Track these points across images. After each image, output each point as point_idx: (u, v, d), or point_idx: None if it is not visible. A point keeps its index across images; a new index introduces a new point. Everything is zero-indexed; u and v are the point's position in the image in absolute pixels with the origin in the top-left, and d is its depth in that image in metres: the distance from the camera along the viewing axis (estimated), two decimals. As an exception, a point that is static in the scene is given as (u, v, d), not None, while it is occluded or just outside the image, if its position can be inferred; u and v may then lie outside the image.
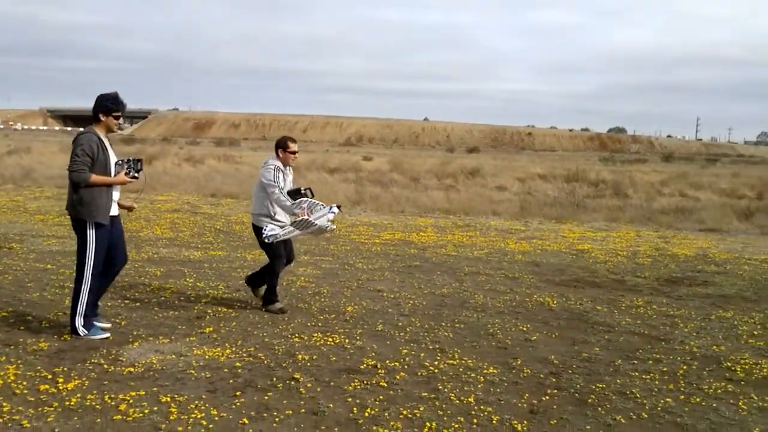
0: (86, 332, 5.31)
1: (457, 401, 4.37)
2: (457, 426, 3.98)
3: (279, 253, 6.49)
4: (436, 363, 5.08)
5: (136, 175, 5.42)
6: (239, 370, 4.74)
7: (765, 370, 5.24)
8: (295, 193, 6.39)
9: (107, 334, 5.38)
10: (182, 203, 15.83)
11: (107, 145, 5.35)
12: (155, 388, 4.34)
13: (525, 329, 6.17)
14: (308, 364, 4.94)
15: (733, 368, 5.28)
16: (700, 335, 6.22)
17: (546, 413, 4.25)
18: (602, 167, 37.17)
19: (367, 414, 4.07)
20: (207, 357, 4.98)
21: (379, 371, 4.85)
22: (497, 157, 47.15)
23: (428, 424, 3.97)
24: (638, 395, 4.62)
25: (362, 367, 4.93)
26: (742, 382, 4.98)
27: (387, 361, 5.06)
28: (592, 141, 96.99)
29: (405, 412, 4.13)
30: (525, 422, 4.08)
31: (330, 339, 5.57)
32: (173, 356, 4.99)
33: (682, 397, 4.64)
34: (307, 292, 7.26)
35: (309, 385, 4.51)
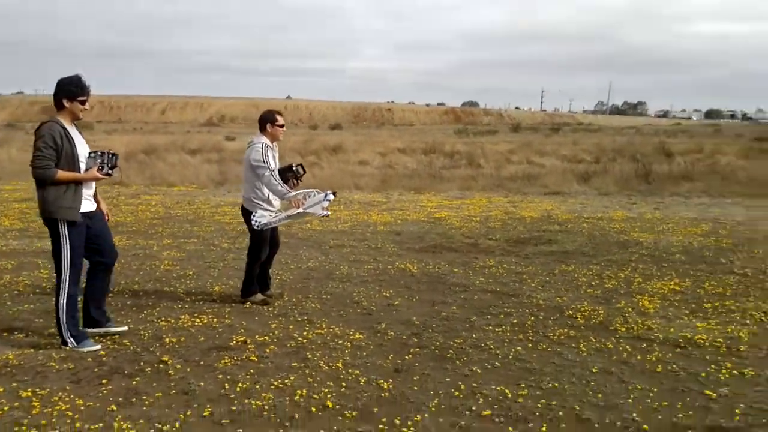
0: (75, 345, 4.74)
1: (326, 367, 4.46)
2: (326, 390, 4.07)
3: (264, 237, 6.08)
4: (304, 333, 5.14)
5: (110, 171, 4.80)
6: (104, 359, 4.58)
7: (601, 316, 5.71)
8: (285, 171, 6.07)
9: (98, 347, 4.78)
10: (32, 192, 14.82)
11: (74, 134, 4.76)
12: (14, 384, 4.11)
13: (388, 295, 6.35)
14: (176, 346, 4.85)
15: (574, 316, 5.71)
16: (545, 289, 6.66)
17: (409, 370, 4.43)
18: (457, 139, 38.33)
19: (238, 389, 4.07)
20: (68, 348, 4.76)
21: (249, 346, 4.85)
22: (359, 132, 47.50)
23: (299, 391, 4.03)
24: (492, 346, 4.91)
25: (232, 344, 4.91)
26: (582, 328, 5.40)
27: (256, 336, 5.07)
28: (448, 115, 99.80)
29: (276, 383, 4.16)
30: (390, 380, 4.24)
31: (198, 319, 5.48)
32: (31, 350, 4.73)
33: (530, 344, 4.97)
34: (171, 275, 7.08)
35: (178, 366, 4.43)
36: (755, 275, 7.18)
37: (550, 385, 4.20)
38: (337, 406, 3.85)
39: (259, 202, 5.95)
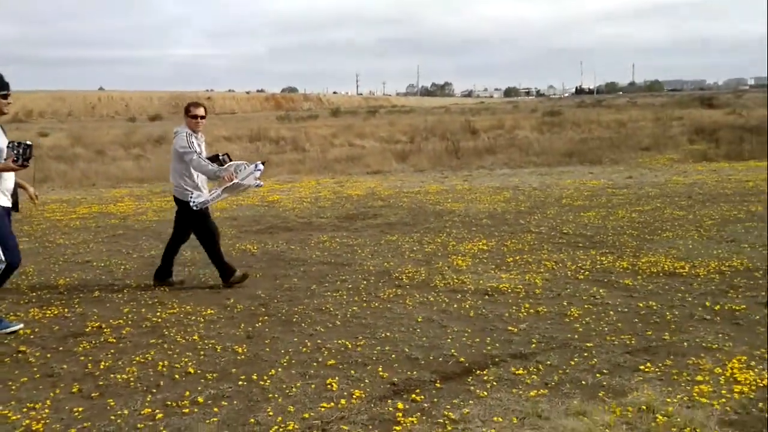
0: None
1: (183, 340, 4.75)
2: (186, 360, 4.38)
3: (210, 228, 6.09)
4: (158, 314, 5.36)
5: (26, 162, 4.66)
6: (-44, 356, 4.54)
7: (423, 275, 6.42)
8: (212, 160, 5.98)
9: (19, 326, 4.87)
10: None
11: None
12: None
13: (233, 274, 6.67)
14: (32, 336, 4.89)
15: (399, 277, 6.37)
16: (374, 256, 7.29)
17: (260, 336, 4.84)
18: (280, 125, 38.47)
19: (102, 366, 4.27)
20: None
21: (105, 330, 5.00)
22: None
23: (160, 363, 4.31)
24: (331, 309, 5.43)
25: (87, 330, 5.03)
26: (408, 286, 6.07)
27: (111, 320, 5.21)
28: (268, 101, 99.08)
29: (137, 358, 4.40)
30: (244, 346, 4.62)
31: (48, 311, 5.50)
32: None
33: (365, 304, 5.56)
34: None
35: (37, 354, 4.52)
36: (548, 232, 8.29)
37: (383, 335, 4.80)
38: (199, 371, 4.18)
39: (190, 189, 5.97)
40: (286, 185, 14.16)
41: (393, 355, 4.40)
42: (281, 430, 3.39)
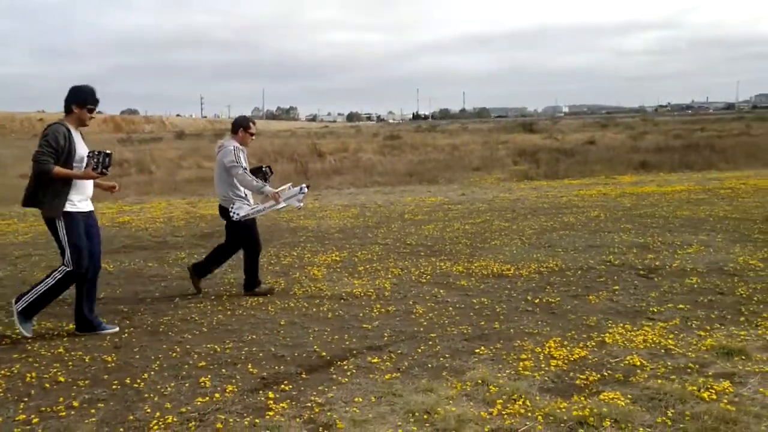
0: (21, 322, 5.01)
1: (48, 353, 4.73)
2: (55, 370, 4.38)
3: (253, 237, 6.30)
4: (17, 331, 5.23)
5: (104, 171, 4.87)
6: None
7: (283, 284, 6.72)
8: (255, 172, 6.01)
9: (29, 334, 5.04)
10: None
11: (76, 138, 4.95)
12: None
13: (91, 291, 6.59)
14: None
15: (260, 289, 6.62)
16: (234, 271, 7.44)
17: (128, 345, 4.92)
18: (122, 148, 36.90)
19: (-35, 382, 4.17)
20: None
21: (-38, 349, 4.83)
22: (11, 145, 42.68)
23: (28, 374, 4.29)
24: (197, 318, 5.60)
25: (-59, 350, 4.83)
26: (269, 295, 6.34)
27: (-33, 340, 5.03)
28: (107, 123, 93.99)
29: (3, 372, 4.34)
30: (113, 355, 4.69)
31: None
32: None
33: (229, 312, 5.77)
34: None
35: None
36: (393, 244, 8.88)
37: (249, 338, 5.06)
38: (69, 380, 4.22)
39: (233, 200, 6.18)
40: (135, 207, 13.81)
41: (260, 354, 4.68)
42: (161, 423, 3.57)
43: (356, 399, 3.84)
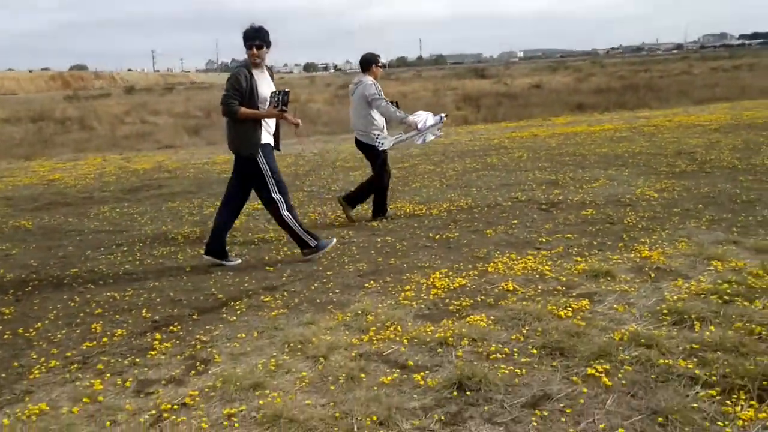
0: (316, 242, 5.54)
1: (-53, 308, 4.77)
2: (-50, 324, 4.44)
3: (385, 161, 6.72)
4: None
5: (284, 108, 5.16)
6: None
7: (198, 233, 6.79)
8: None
9: (334, 240, 5.70)
10: None
11: (259, 79, 5.20)
12: None
13: (4, 248, 6.59)
14: None
15: (175, 238, 6.70)
16: (153, 222, 7.52)
17: (29, 298, 4.98)
18: (68, 105, 35.92)
19: None
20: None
21: None
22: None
23: None
24: (104, 270, 5.66)
25: None
26: (182, 244, 6.42)
27: None
28: (55, 80, 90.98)
29: None
30: (12, 308, 4.75)
31: None
32: None
33: (137, 263, 5.85)
34: None
35: None
36: (318, 190, 8.99)
37: (151, 285, 5.16)
38: (-37, 332, 4.29)
39: (377, 132, 6.57)
40: (68, 164, 13.61)
41: (158, 299, 4.79)
42: (43, 368, 3.67)
43: (239, 335, 3.99)
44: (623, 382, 3.08)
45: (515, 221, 6.45)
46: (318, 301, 4.55)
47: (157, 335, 4.07)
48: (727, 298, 3.99)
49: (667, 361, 3.22)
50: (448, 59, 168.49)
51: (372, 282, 4.86)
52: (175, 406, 3.14)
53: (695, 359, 3.24)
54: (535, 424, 2.80)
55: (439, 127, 6.88)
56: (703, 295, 4.08)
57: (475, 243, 5.78)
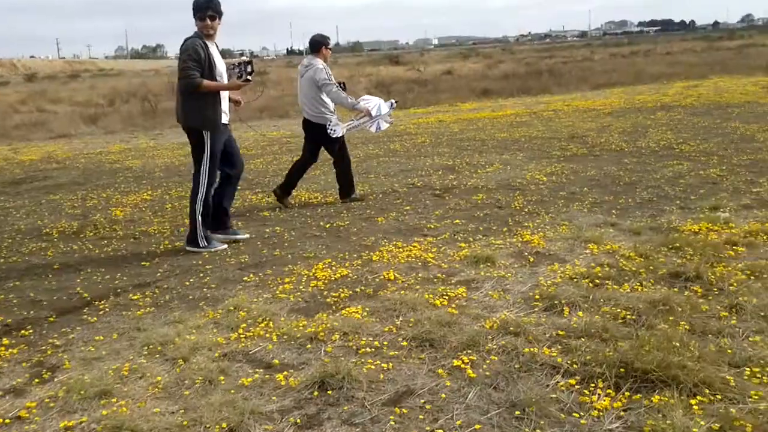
0: (206, 245, 5.17)
1: None
2: None
3: (342, 142, 6.62)
4: None
5: (248, 77, 4.91)
6: None
7: (75, 227, 6.33)
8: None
9: (225, 246, 5.25)
10: None
11: (212, 50, 4.92)
12: None
13: None
14: None
15: (50, 232, 6.21)
16: (29, 216, 6.99)
17: None
18: (-40, 93, 33.56)
19: None
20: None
21: None
22: None
23: None
24: (-38, 269, 5.17)
25: None
26: (54, 240, 5.96)
27: None
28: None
29: None
30: None
31: None
32: None
33: (2, 260, 5.38)
34: None
35: None
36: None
37: (12, 284, 4.73)
38: None
39: (328, 114, 6.45)
40: (-50, 155, 12.60)
41: (15, 300, 4.39)
42: None
43: (97, 338, 3.68)
44: (487, 373, 2.98)
45: (408, 207, 6.33)
46: (190, 297, 4.27)
47: (5, 340, 3.70)
48: (598, 281, 3.98)
49: (532, 349, 3.15)
50: (365, 46, 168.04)
51: (252, 275, 4.61)
52: (7, 421, 2.82)
53: (559, 346, 3.18)
54: (393, 423, 2.65)
55: (390, 114, 6.78)
56: (576, 279, 4.06)
57: (364, 231, 5.61)
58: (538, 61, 35.32)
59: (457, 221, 5.69)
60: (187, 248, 5.31)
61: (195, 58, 4.81)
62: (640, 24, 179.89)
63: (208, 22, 4.93)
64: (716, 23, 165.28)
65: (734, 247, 4.50)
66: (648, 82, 19.99)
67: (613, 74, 22.28)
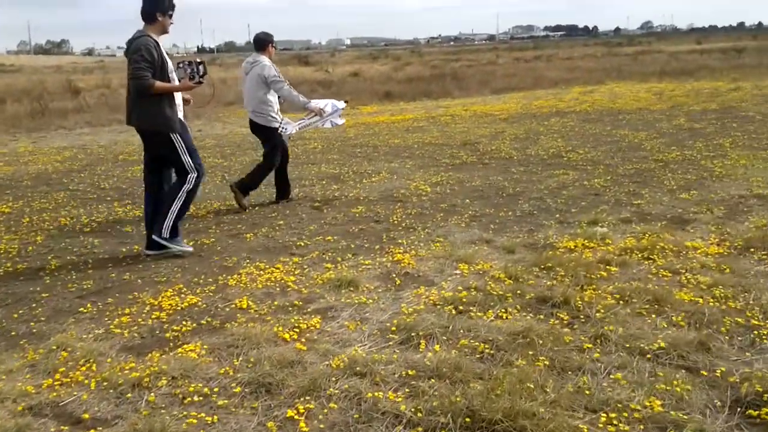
0: (168, 242, 4.86)
1: None
2: None
3: (281, 144, 6.35)
4: None
5: (201, 80, 4.73)
6: None
7: None
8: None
9: (190, 249, 5.00)
10: None
11: (162, 48, 4.64)
12: None
13: None
14: None
15: None
16: None
17: None
18: None
19: None
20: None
21: None
22: None
23: None
24: None
25: None
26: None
27: None
28: None
29: None
30: None
31: None
32: None
33: None
34: None
35: None
36: (84, 189, 7.89)
37: None
38: None
39: (274, 114, 6.22)
40: None
41: None
42: None
43: None
44: (322, 426, 2.62)
45: (281, 222, 5.92)
46: (13, 333, 3.71)
47: None
48: (462, 308, 3.71)
49: (377, 394, 2.81)
50: (278, 45, 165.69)
51: (89, 305, 4.08)
52: None
53: (407, 389, 2.86)
54: (199, 497, 2.24)
55: (340, 114, 6.65)
56: (439, 306, 3.76)
57: (229, 250, 5.16)
58: (445, 63, 35.57)
59: (330, 237, 5.32)
60: (148, 252, 4.97)
61: (148, 58, 4.55)
62: (546, 29, 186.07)
63: (170, 19, 4.78)
64: (618, 29, 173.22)
65: (607, 267, 4.34)
66: (547, 87, 20.34)
67: (513, 78, 22.59)
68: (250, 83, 6.30)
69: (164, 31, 4.80)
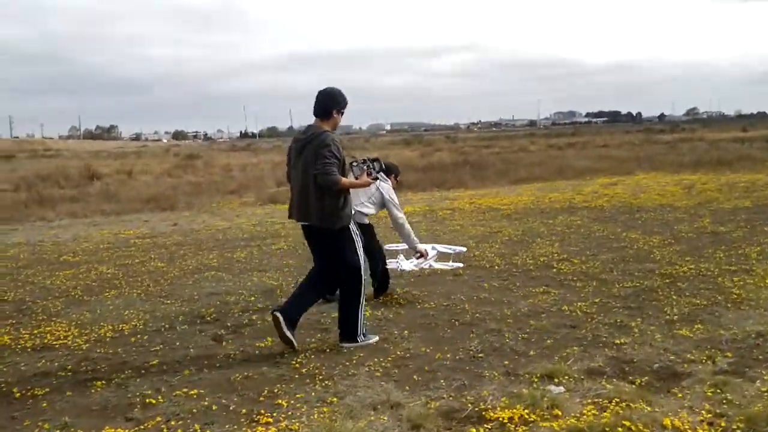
0: (364, 339, 4.81)
1: None
2: None
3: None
4: None
5: (377, 175, 4.86)
6: None
7: None
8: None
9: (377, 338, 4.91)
10: None
11: None
12: None
13: None
14: None
15: None
16: None
17: None
18: None
19: None
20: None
21: None
22: None
23: None
24: None
25: None
26: None
27: None
28: None
29: None
30: None
31: None
32: None
33: None
34: None
35: None
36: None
37: None
38: None
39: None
40: None
41: None
42: None
43: None
44: None
45: (129, 370, 4.73)
46: None
47: None
48: None
49: None
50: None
51: None
52: None
53: None
54: None
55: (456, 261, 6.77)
56: None
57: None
58: (476, 150, 34.85)
59: (194, 392, 4.11)
60: (344, 345, 4.82)
61: (336, 155, 4.57)
62: (588, 115, 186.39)
63: (342, 116, 4.83)
64: (662, 116, 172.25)
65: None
66: (570, 177, 19.12)
67: (537, 168, 21.48)
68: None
69: (335, 126, 4.80)
